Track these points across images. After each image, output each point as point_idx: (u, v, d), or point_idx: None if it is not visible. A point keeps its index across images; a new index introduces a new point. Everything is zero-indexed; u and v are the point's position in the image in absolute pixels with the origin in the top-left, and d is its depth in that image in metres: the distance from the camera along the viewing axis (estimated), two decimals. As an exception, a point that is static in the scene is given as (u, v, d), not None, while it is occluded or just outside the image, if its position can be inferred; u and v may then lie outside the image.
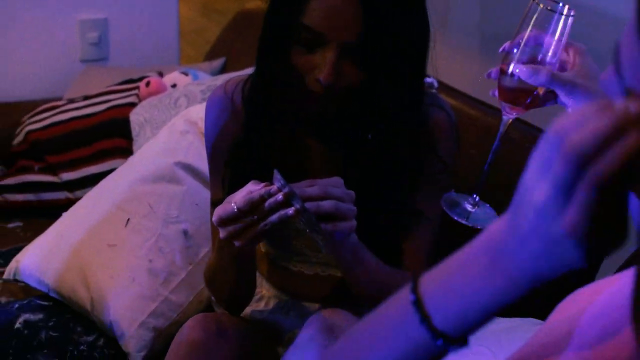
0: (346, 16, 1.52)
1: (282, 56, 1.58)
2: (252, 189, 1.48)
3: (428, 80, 1.88)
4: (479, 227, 1.45)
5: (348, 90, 1.58)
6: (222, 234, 1.51)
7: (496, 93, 1.43)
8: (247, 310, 1.88)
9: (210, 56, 3.30)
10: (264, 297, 1.90)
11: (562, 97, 1.37)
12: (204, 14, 5.91)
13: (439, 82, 2.11)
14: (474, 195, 1.50)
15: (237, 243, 1.51)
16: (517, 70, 1.34)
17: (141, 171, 2.21)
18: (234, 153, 1.73)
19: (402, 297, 0.86)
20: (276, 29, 1.59)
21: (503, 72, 1.38)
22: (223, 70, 3.14)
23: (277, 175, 1.44)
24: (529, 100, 1.38)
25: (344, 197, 1.49)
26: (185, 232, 2.10)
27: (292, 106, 1.66)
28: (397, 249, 1.73)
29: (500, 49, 1.40)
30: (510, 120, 1.42)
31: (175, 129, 2.27)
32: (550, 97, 1.40)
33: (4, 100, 3.14)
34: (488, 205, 1.50)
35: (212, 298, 2.02)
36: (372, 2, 1.51)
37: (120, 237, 2.10)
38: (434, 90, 1.90)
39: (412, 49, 1.61)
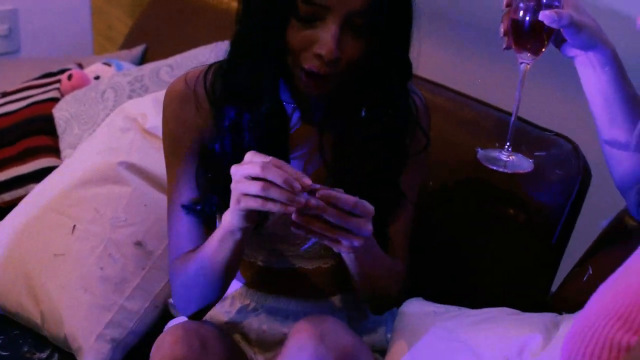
0: None
1: (277, 35, 1.51)
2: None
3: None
4: (519, 172, 1.56)
5: (347, 66, 1.53)
6: (254, 188, 1.41)
7: (510, 46, 1.50)
8: (212, 312, 1.80)
9: (127, 43, 3.19)
10: (228, 296, 1.83)
11: (568, 35, 1.46)
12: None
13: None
14: (507, 146, 1.57)
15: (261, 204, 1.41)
16: (540, 16, 1.41)
17: (82, 174, 2.10)
18: (204, 149, 1.66)
19: None
20: (270, 7, 1.51)
21: (516, 22, 1.45)
22: (144, 58, 3.03)
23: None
24: (545, 44, 1.48)
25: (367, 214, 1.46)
26: (135, 235, 2.02)
27: (277, 94, 1.60)
28: (383, 231, 1.69)
29: (505, 5, 1.48)
30: (529, 66, 1.50)
31: (114, 127, 2.17)
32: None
33: None
34: (520, 154, 1.57)
35: (171, 301, 1.95)
36: None
37: (67, 246, 2.00)
38: None
39: (405, 18, 1.57)
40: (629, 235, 1.72)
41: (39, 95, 2.73)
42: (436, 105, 1.93)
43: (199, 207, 1.68)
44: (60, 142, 2.58)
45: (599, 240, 1.83)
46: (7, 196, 2.52)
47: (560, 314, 1.65)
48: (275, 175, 1.39)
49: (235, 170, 1.44)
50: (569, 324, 1.58)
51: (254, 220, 1.50)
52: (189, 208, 1.68)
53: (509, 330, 1.58)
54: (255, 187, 1.40)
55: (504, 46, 1.50)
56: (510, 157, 1.56)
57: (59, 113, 2.61)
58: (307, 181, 1.41)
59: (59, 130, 2.60)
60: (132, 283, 1.99)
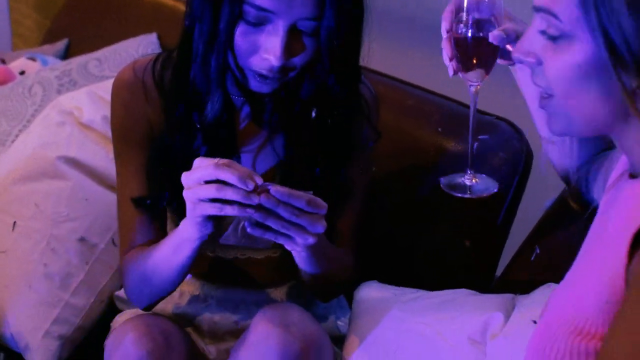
0: None
1: (225, 37, 1.51)
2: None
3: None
4: (485, 195, 1.52)
5: (295, 69, 1.54)
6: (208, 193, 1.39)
7: (458, 71, 1.47)
8: (162, 305, 1.78)
9: (48, 37, 3.12)
10: (178, 289, 1.80)
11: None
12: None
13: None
14: (467, 170, 1.54)
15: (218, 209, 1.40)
16: (490, 38, 1.39)
17: (19, 169, 2.06)
18: (154, 142, 1.64)
19: None
20: (218, 10, 1.50)
21: (461, 46, 1.42)
22: (67, 52, 2.97)
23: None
24: (493, 62, 1.45)
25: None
26: (77, 230, 1.98)
27: (230, 85, 1.60)
28: (331, 223, 1.69)
29: (446, 31, 1.44)
30: (479, 87, 1.47)
31: (49, 122, 2.13)
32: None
33: None
34: (483, 175, 1.54)
35: (118, 294, 1.92)
36: None
37: (8, 243, 1.97)
38: None
39: (354, 22, 1.57)
40: (572, 217, 1.75)
41: (-38, 92, 2.67)
42: (387, 97, 1.93)
43: (148, 202, 1.66)
44: (-11, 139, 2.52)
45: (544, 220, 1.86)
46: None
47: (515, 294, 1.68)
48: (228, 175, 1.38)
49: (186, 177, 1.42)
50: (523, 304, 1.61)
51: (213, 227, 1.48)
52: (137, 202, 1.66)
53: (470, 310, 1.60)
54: (209, 191, 1.39)
55: (451, 73, 1.47)
56: (474, 181, 1.54)
57: (-15, 110, 2.55)
58: (259, 180, 1.40)
59: (-14, 127, 2.54)
60: (77, 278, 1.96)
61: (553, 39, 1.15)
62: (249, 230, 1.43)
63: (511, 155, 1.90)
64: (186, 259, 1.55)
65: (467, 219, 1.93)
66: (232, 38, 1.51)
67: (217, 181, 1.39)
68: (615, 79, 1.10)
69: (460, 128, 1.96)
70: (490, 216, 1.91)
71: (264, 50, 1.50)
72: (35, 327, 1.90)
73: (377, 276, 1.87)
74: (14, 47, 3.38)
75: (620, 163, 1.29)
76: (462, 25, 1.40)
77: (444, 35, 1.45)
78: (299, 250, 1.51)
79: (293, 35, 1.50)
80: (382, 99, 1.80)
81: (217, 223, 1.47)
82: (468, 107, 1.98)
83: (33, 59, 2.75)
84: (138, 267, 1.64)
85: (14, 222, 1.98)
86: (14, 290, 1.91)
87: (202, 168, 1.40)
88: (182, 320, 1.79)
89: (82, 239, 1.98)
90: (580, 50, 1.13)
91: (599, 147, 1.47)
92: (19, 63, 2.74)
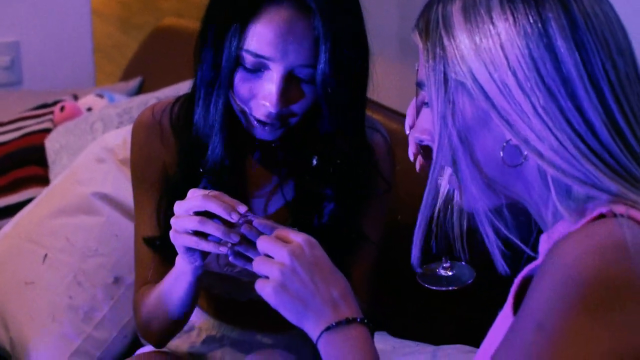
0: (294, 38, 1.47)
1: (224, 83, 1.53)
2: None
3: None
4: (461, 286, 1.45)
5: (294, 115, 1.54)
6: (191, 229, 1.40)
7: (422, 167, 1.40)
8: (178, 342, 1.80)
9: (126, 75, 3.23)
10: (195, 327, 1.83)
11: None
12: (121, 28, 5.81)
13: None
14: (444, 260, 1.46)
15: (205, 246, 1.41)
16: None
17: (57, 203, 2.14)
18: (168, 184, 1.67)
19: None
20: (217, 56, 1.52)
21: None
22: (139, 90, 3.07)
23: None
24: None
25: None
26: (105, 265, 2.03)
27: (233, 134, 1.61)
28: (344, 272, 1.69)
29: (409, 127, 1.38)
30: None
31: (91, 158, 2.20)
32: None
33: None
34: (462, 263, 1.45)
35: (139, 332, 1.96)
36: (319, 23, 1.47)
37: (37, 274, 2.03)
38: None
39: (356, 71, 1.57)
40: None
41: (33, 126, 2.78)
42: (395, 132, 1.91)
43: (158, 243, 1.68)
44: (50, 173, 2.62)
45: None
46: (-2, 225, 2.56)
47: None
48: (214, 206, 1.39)
49: (178, 207, 1.44)
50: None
51: (200, 258, 1.48)
52: (148, 242, 1.70)
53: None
54: (192, 223, 1.40)
55: (417, 169, 1.42)
56: (449, 272, 1.47)
57: (50, 144, 2.66)
58: (243, 208, 1.40)
59: (50, 160, 2.64)
60: (101, 312, 2.01)
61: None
62: (230, 259, 1.44)
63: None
64: (185, 292, 1.56)
65: (484, 272, 1.90)
66: (231, 83, 1.53)
67: (206, 213, 1.41)
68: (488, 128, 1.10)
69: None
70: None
71: (262, 97, 1.51)
72: (56, 357, 1.94)
73: (394, 325, 1.86)
74: (98, 83, 3.49)
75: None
76: None
77: (407, 131, 1.39)
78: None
79: (290, 82, 1.51)
80: (399, 139, 1.80)
81: (203, 256, 1.48)
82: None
83: (101, 96, 2.85)
84: (145, 302, 1.67)
85: (45, 255, 2.05)
86: (38, 321, 1.97)
87: (192, 199, 1.42)
88: (196, 359, 1.82)
89: (109, 274, 2.03)
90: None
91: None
92: (87, 100, 2.85)
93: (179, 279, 1.55)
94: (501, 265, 1.19)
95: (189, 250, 1.45)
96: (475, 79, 1.09)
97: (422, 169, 1.38)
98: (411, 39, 1.19)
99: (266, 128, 1.55)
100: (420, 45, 1.15)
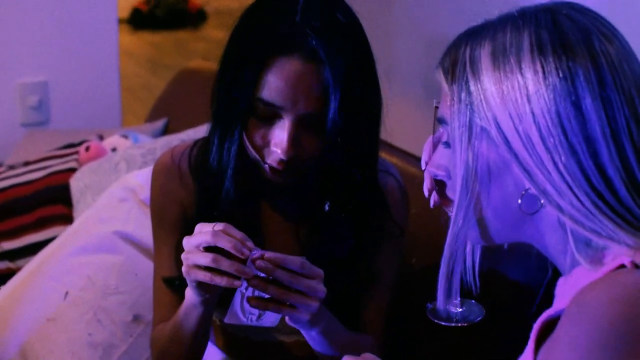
0: (303, 88, 1.51)
1: (237, 130, 1.57)
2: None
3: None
4: (471, 322, 1.47)
5: (307, 161, 1.58)
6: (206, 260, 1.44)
7: (438, 203, 1.43)
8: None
9: (152, 115, 3.28)
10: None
11: None
12: (150, 69, 5.90)
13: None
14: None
15: (219, 280, 1.45)
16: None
17: (79, 242, 2.18)
18: (187, 225, 1.70)
19: None
20: (231, 103, 1.56)
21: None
22: (165, 131, 3.11)
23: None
24: None
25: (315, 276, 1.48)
26: (125, 303, 2.07)
27: (248, 177, 1.65)
28: (357, 312, 1.72)
29: (425, 163, 1.41)
30: None
31: (113, 197, 2.24)
32: None
33: (-58, 169, 3.10)
34: (472, 300, 1.48)
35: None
36: (329, 73, 1.51)
37: (58, 311, 2.06)
38: None
39: (368, 117, 1.61)
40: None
41: (59, 165, 2.83)
42: (416, 177, 1.94)
43: (177, 283, 1.71)
44: (75, 211, 2.66)
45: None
46: (22, 262, 2.59)
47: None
48: (224, 242, 1.43)
49: (187, 242, 1.48)
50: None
51: (211, 291, 1.53)
52: (167, 282, 1.74)
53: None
54: (205, 259, 1.44)
55: (431, 205, 1.45)
56: (459, 309, 1.49)
57: (75, 183, 2.70)
58: (251, 244, 1.45)
59: (74, 199, 2.68)
60: (120, 349, 2.04)
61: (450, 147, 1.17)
62: (249, 305, 1.48)
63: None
64: (196, 325, 1.60)
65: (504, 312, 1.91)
66: (244, 131, 1.58)
67: (216, 248, 1.44)
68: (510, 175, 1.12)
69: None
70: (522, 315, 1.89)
71: (274, 144, 1.55)
72: (74, 392, 1.98)
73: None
74: (125, 123, 3.54)
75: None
76: None
77: (423, 167, 1.42)
78: (303, 318, 1.51)
79: (301, 129, 1.55)
80: (415, 182, 1.82)
81: (214, 289, 1.51)
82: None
83: (125, 137, 2.90)
84: (160, 339, 1.70)
85: (66, 292, 2.08)
86: (58, 357, 2.00)
87: (202, 234, 1.46)
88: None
89: (128, 312, 2.06)
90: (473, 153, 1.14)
91: None
92: (112, 140, 2.90)
93: (190, 313, 1.59)
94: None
95: (201, 284, 1.49)
96: (499, 128, 1.10)
97: (436, 205, 1.41)
98: (435, 80, 1.22)
99: (278, 174, 1.59)
100: (445, 84, 1.17)
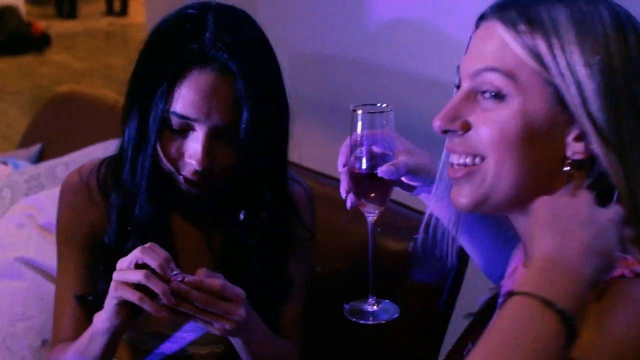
0: (216, 100, 1.55)
1: (152, 144, 1.60)
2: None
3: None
4: (387, 320, 1.53)
5: (221, 172, 1.62)
6: (133, 296, 1.46)
7: (355, 204, 1.50)
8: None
9: (25, 142, 3.23)
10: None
11: (408, 180, 1.50)
12: (-3, 96, 5.77)
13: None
14: (370, 297, 1.55)
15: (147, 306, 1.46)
16: (379, 173, 1.43)
17: (-21, 270, 2.14)
18: (95, 243, 1.72)
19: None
20: (145, 118, 1.60)
21: (357, 180, 1.46)
22: (41, 156, 3.07)
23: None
24: (388, 193, 1.48)
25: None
26: (33, 328, 2.05)
27: (161, 190, 1.68)
28: (274, 318, 1.76)
29: (342, 165, 1.48)
30: (376, 217, 1.50)
31: (10, 223, 2.22)
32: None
33: None
34: (386, 300, 1.55)
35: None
36: (241, 85, 1.56)
37: (-34, 340, 2.03)
38: None
39: (278, 127, 1.66)
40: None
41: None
42: (321, 193, 2.01)
43: (90, 298, 1.72)
44: (-40, 240, 2.59)
45: (479, 315, 1.91)
46: None
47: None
48: (150, 259, 1.47)
49: (121, 261, 1.51)
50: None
51: (128, 317, 1.54)
52: (80, 299, 1.74)
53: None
54: (137, 275, 1.46)
55: (349, 205, 1.51)
56: (375, 307, 1.55)
57: (-42, 211, 2.64)
58: (173, 265, 1.48)
59: (-42, 228, 2.62)
60: (29, 375, 2.02)
61: (500, 97, 1.20)
62: (166, 313, 1.49)
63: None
64: (99, 354, 1.60)
65: (411, 310, 1.98)
66: (158, 144, 1.61)
67: (147, 267, 1.47)
68: (556, 142, 1.18)
69: (399, 227, 2.03)
70: (431, 303, 1.98)
71: (188, 156, 1.59)
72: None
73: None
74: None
75: (516, 257, 1.35)
76: (357, 160, 1.44)
77: (340, 169, 1.49)
78: (218, 334, 1.55)
79: (215, 141, 1.59)
80: (320, 197, 1.88)
81: (129, 314, 1.53)
82: (407, 207, 2.08)
83: (5, 163, 2.85)
84: None
85: (-27, 321, 2.05)
86: (-31, 386, 1.97)
87: (132, 253, 1.49)
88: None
89: (36, 337, 2.05)
90: (528, 110, 1.19)
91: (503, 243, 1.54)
92: (-9, 167, 2.84)
93: (95, 339, 1.59)
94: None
95: (120, 307, 1.51)
96: (580, 88, 1.16)
97: (353, 206, 1.49)
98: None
99: (193, 185, 1.63)
100: (509, 35, 1.20)
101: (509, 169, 1.21)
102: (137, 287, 1.47)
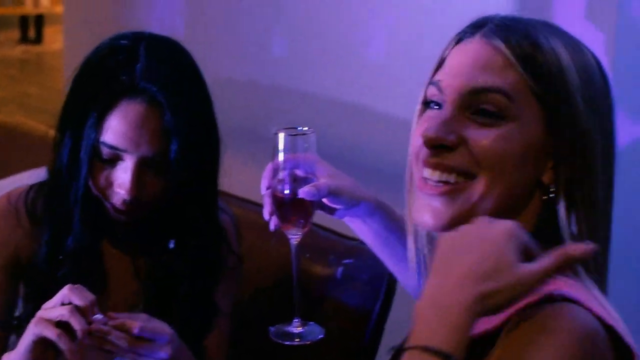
0: (145, 131, 1.57)
1: (84, 174, 1.61)
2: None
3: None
4: (312, 340, 1.53)
5: (150, 201, 1.63)
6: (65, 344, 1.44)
7: (278, 226, 1.51)
8: None
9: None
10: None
11: (330, 202, 1.51)
12: None
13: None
14: (294, 319, 1.55)
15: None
16: (300, 194, 1.44)
17: None
18: (20, 268, 1.72)
19: None
20: (75, 148, 1.61)
21: (279, 202, 1.47)
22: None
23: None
24: (311, 216, 1.50)
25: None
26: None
27: (92, 216, 1.68)
28: (201, 345, 1.76)
29: (265, 188, 1.49)
30: (299, 239, 1.51)
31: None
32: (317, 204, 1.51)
33: None
34: (312, 322, 1.56)
35: None
36: (170, 117, 1.57)
37: None
38: None
39: (208, 158, 1.69)
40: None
41: None
42: (246, 218, 2.01)
43: (15, 322, 1.72)
44: None
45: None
46: None
47: None
48: (77, 299, 1.46)
49: (46, 303, 1.49)
50: None
51: (42, 356, 1.50)
52: (3, 325, 1.73)
53: None
54: (61, 311, 1.45)
55: (272, 227, 1.52)
56: (300, 329, 1.55)
57: None
58: (97, 308, 1.48)
59: None
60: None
61: (498, 117, 1.21)
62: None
63: (375, 277, 1.97)
64: None
65: (335, 341, 1.98)
66: (88, 173, 1.62)
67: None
68: (539, 166, 1.22)
69: (326, 253, 2.04)
70: (357, 336, 1.98)
71: (117, 185, 1.61)
72: None
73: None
74: None
75: None
76: (280, 182, 1.46)
77: (263, 191, 1.50)
78: None
79: (144, 171, 1.61)
80: (244, 222, 1.88)
81: (41, 357, 1.50)
82: (334, 232, 2.09)
83: None
84: None
85: None
86: None
87: (60, 292, 1.48)
88: None
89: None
90: (524, 131, 1.21)
91: None
92: None
93: None
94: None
95: (37, 345, 1.48)
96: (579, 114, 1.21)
97: (276, 228, 1.50)
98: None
99: (122, 213, 1.64)
100: (511, 56, 1.21)
101: (497, 189, 1.21)
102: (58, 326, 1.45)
